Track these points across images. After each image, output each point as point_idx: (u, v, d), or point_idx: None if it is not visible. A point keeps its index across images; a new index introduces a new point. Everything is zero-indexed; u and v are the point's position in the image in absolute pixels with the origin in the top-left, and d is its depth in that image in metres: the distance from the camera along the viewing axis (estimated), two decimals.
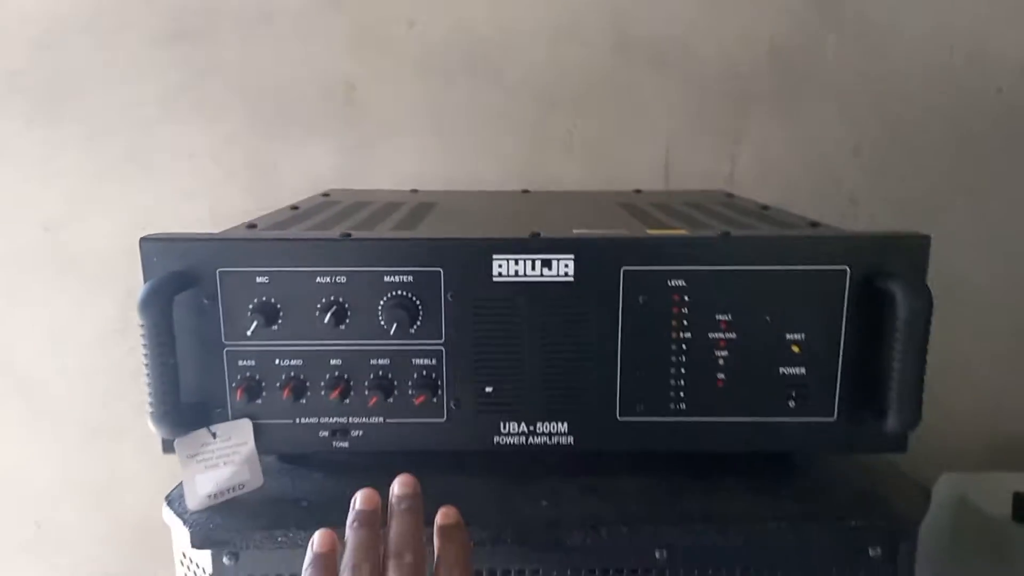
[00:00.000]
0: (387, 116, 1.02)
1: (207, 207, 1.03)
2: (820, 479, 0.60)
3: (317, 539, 0.44)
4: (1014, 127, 1.03)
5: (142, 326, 0.49)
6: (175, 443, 0.54)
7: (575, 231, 0.57)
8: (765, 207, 0.77)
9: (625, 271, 0.54)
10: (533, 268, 0.54)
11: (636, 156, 1.05)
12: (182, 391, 0.52)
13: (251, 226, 0.61)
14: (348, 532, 0.44)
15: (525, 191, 0.97)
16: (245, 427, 0.56)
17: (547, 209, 0.81)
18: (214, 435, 0.55)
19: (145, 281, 0.52)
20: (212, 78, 1.00)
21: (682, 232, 0.58)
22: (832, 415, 0.57)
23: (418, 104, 1.02)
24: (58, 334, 1.06)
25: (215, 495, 0.55)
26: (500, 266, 0.54)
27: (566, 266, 0.54)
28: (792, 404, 0.56)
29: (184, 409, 0.52)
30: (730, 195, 0.90)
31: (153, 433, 0.53)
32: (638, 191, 0.97)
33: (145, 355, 0.50)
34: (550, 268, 0.54)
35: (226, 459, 0.55)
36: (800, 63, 1.02)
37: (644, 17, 1.02)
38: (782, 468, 0.61)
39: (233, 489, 0.56)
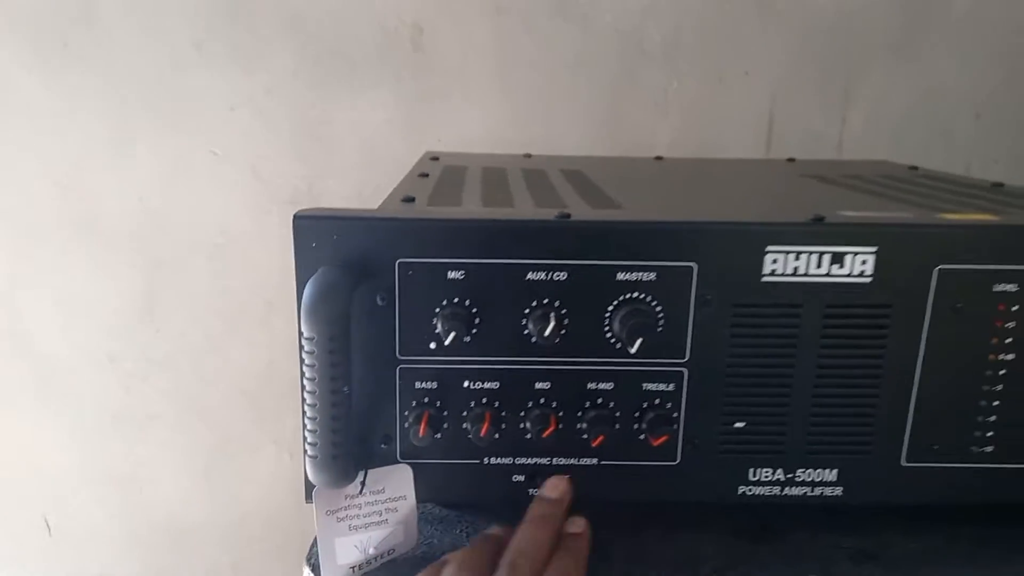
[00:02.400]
0: (455, 65, 0.87)
1: (248, 167, 0.88)
2: None
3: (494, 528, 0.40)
4: None
5: (309, 338, 0.35)
6: (314, 495, 0.39)
7: (847, 214, 0.43)
8: (999, 184, 0.62)
9: (940, 270, 0.40)
10: (819, 265, 0.40)
11: (735, 115, 0.90)
12: None
13: (407, 199, 0.46)
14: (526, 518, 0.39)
15: (659, 157, 0.82)
16: (404, 476, 0.41)
17: (736, 184, 0.66)
18: (362, 485, 0.41)
19: (299, 271, 0.37)
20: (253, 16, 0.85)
21: (997, 219, 0.43)
22: None
23: (490, 52, 0.87)
24: (76, 306, 0.92)
25: (360, 566, 0.41)
26: (775, 261, 0.40)
27: (863, 262, 0.40)
28: None
29: (353, 451, 0.38)
30: (914, 167, 0.76)
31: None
32: (791, 160, 0.82)
33: (310, 380, 0.35)
34: (842, 265, 0.40)
35: (378, 517, 0.41)
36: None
37: None
38: None
39: (382, 556, 0.42)
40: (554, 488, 0.41)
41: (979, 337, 0.41)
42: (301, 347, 0.35)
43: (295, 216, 0.37)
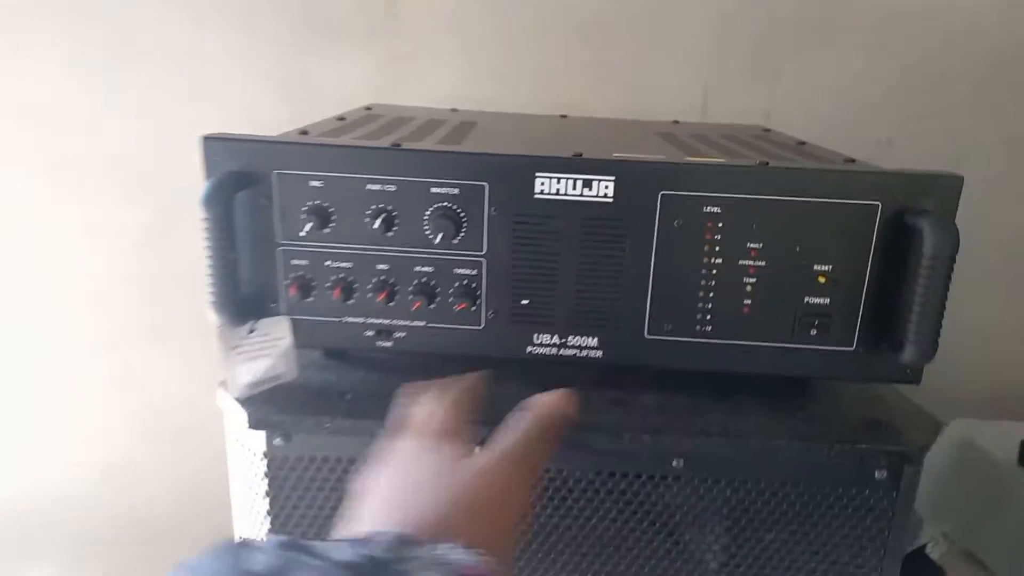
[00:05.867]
0: (425, 31, 1.03)
1: (240, 113, 1.05)
2: (834, 405, 0.63)
3: None
4: None
5: (205, 219, 0.53)
6: (218, 333, 0.57)
7: (615, 154, 0.59)
8: (802, 143, 0.78)
9: (663, 195, 0.56)
10: (574, 187, 0.56)
11: (672, 88, 1.05)
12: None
13: (303, 132, 0.63)
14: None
15: (563, 116, 0.98)
16: (283, 323, 0.59)
17: (586, 133, 0.82)
18: (252, 330, 0.58)
19: (207, 178, 0.55)
20: None
21: (720, 160, 0.59)
22: (851, 344, 0.59)
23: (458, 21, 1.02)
24: (98, 236, 1.10)
25: (254, 384, 0.59)
26: (542, 184, 0.56)
27: (606, 187, 0.56)
28: (814, 332, 0.59)
29: (241, 300, 0.56)
30: (767, 130, 0.91)
31: (203, 327, 0.56)
32: (675, 122, 0.97)
33: (208, 247, 0.53)
34: (591, 188, 0.56)
35: (265, 352, 0.59)
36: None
37: None
38: (798, 393, 0.64)
39: (271, 380, 0.60)
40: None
41: (694, 245, 0.57)
42: (202, 227, 0.53)
43: (204, 137, 0.55)
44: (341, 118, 0.76)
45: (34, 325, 1.14)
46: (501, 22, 1.03)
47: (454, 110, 0.96)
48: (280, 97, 1.04)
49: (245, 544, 0.32)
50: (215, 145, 0.55)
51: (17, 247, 1.11)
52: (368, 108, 0.89)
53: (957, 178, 0.56)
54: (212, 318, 0.55)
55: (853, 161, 0.64)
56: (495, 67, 1.04)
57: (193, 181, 0.55)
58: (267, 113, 1.05)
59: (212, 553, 0.31)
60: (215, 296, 0.54)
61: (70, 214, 1.09)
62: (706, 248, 0.58)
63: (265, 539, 0.33)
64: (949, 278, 0.54)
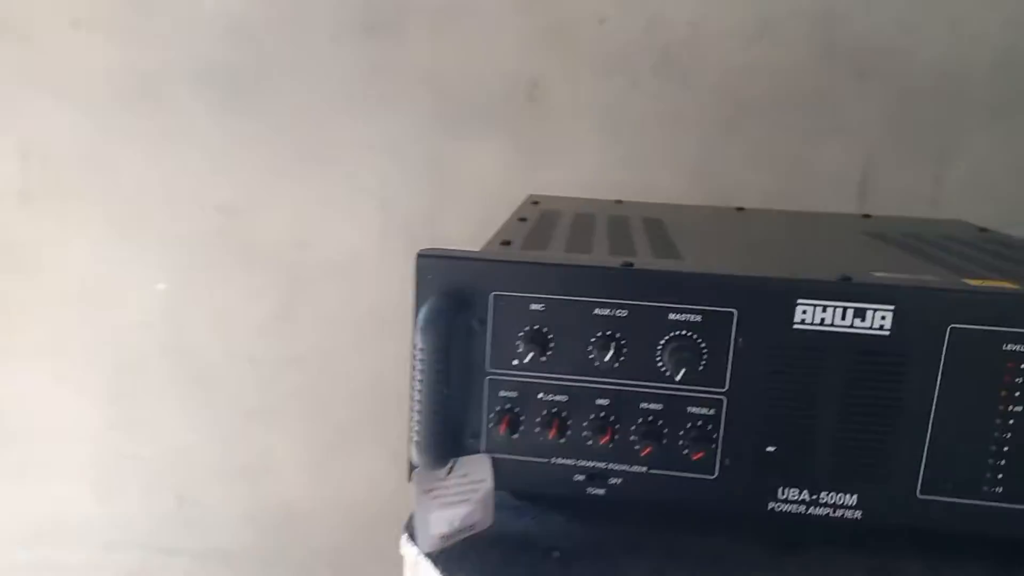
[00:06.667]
0: (567, 115, 0.97)
1: (379, 201, 1.02)
2: None
3: None
4: None
5: (421, 349, 0.46)
6: (414, 475, 0.50)
7: (877, 275, 0.50)
8: None
9: (953, 328, 0.47)
10: (843, 318, 0.47)
11: (828, 170, 0.96)
12: None
13: (505, 243, 0.57)
14: None
15: (740, 208, 0.89)
16: (485, 464, 0.51)
17: (794, 237, 0.73)
18: (450, 470, 0.51)
19: (417, 297, 0.48)
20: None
21: (1017, 287, 0.49)
22: None
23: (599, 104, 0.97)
24: (226, 319, 1.07)
25: (448, 536, 0.51)
26: (804, 312, 0.47)
27: (882, 318, 0.47)
28: None
29: (449, 440, 0.48)
30: (983, 229, 0.80)
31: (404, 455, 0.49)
32: (867, 216, 0.88)
33: (419, 380, 0.46)
34: (863, 319, 0.47)
35: (463, 497, 0.51)
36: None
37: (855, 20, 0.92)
38: None
39: (465, 530, 0.51)
40: None
41: (988, 389, 0.47)
42: (414, 356, 0.46)
43: (418, 254, 0.48)
44: (522, 219, 0.70)
45: None
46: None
47: (619, 201, 0.89)
48: (418, 182, 1.01)
49: None
50: (429, 263, 0.48)
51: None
52: (535, 202, 0.83)
53: None
54: (416, 460, 0.48)
55: None
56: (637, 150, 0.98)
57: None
58: (407, 202, 1.01)
59: None
60: (420, 436, 0.47)
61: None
62: (1003, 393, 0.47)
63: None
64: None
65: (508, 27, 0.96)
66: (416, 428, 0.47)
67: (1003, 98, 0.92)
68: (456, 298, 0.47)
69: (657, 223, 0.72)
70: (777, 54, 0.94)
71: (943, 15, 0.91)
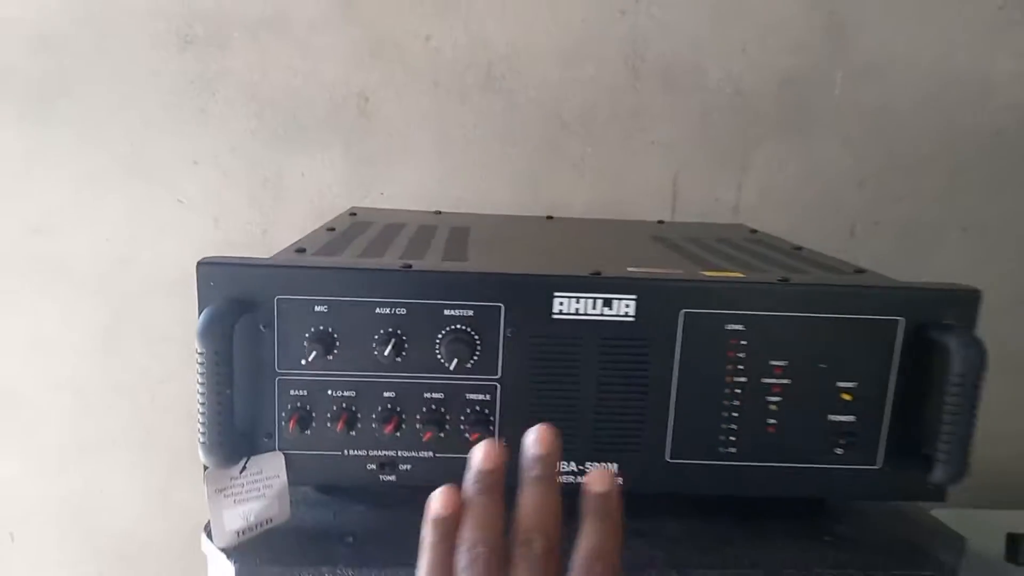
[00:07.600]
0: (399, 129, 1.02)
1: (211, 216, 1.01)
2: (858, 525, 0.61)
3: (437, 499, 0.35)
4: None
5: (201, 354, 0.48)
6: (205, 476, 0.52)
7: (629, 269, 0.57)
8: (798, 247, 0.77)
9: (685, 313, 0.54)
10: (594, 307, 0.54)
11: (644, 180, 1.05)
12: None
13: (299, 250, 0.60)
14: (466, 497, 0.36)
15: (550, 217, 0.96)
16: (278, 460, 0.54)
17: (583, 240, 0.81)
18: (243, 468, 0.53)
19: (200, 306, 0.50)
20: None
21: (740, 276, 0.58)
22: (876, 463, 0.57)
23: (430, 118, 1.02)
24: (43, 343, 1.03)
25: (244, 531, 0.53)
26: (561, 304, 0.54)
27: (627, 306, 0.54)
28: (839, 451, 0.57)
29: (236, 439, 0.51)
30: (754, 231, 0.91)
31: (194, 459, 0.51)
32: (661, 222, 0.97)
33: (201, 383, 0.48)
34: (611, 307, 0.54)
35: (256, 493, 0.54)
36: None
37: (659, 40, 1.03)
38: (819, 512, 0.61)
39: (261, 524, 0.54)
40: (542, 442, 0.37)
41: (717, 364, 0.55)
42: (196, 360, 0.48)
43: (199, 263, 0.51)
44: (331, 228, 0.73)
45: None
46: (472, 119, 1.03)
47: (438, 212, 0.94)
48: (249, 197, 1.01)
49: None
50: (211, 270, 0.50)
51: None
52: (352, 213, 0.86)
53: (975, 292, 0.55)
54: (205, 460, 0.50)
55: (863, 271, 0.64)
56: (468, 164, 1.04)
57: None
58: (238, 216, 1.01)
59: None
60: (206, 437, 0.49)
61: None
62: (729, 367, 0.55)
63: None
64: (979, 395, 0.53)
65: (336, 41, 0.99)
66: (202, 430, 0.49)
67: (788, 115, 1.05)
68: (238, 303, 0.50)
69: (463, 231, 0.77)
70: (593, 72, 1.02)
71: (735, 39, 1.02)
